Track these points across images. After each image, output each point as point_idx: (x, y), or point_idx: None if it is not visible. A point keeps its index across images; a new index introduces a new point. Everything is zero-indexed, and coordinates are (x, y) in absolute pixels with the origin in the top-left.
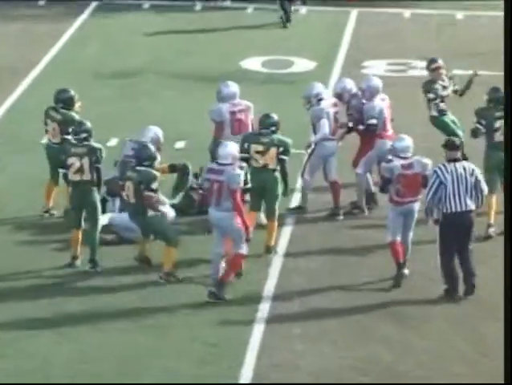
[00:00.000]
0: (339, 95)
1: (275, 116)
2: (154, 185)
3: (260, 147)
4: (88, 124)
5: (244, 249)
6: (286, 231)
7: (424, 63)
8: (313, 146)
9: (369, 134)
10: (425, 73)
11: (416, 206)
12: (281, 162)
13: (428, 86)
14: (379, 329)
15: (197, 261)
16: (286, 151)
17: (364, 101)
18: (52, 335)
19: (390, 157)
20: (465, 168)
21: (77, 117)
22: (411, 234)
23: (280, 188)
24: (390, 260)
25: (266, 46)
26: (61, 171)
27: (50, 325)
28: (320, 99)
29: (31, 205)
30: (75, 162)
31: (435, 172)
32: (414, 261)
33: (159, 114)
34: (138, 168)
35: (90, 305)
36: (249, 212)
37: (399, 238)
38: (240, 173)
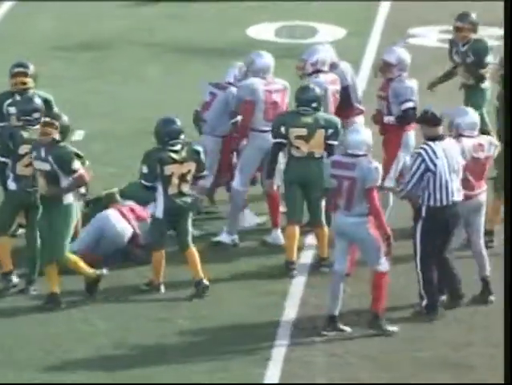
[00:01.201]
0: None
1: (316, 88)
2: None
3: (303, 131)
4: (38, 101)
5: (384, 265)
6: (310, 244)
7: (492, 30)
8: None
9: (403, 124)
10: (494, 44)
11: (485, 199)
12: (329, 148)
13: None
14: (434, 382)
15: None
16: (335, 134)
17: (395, 79)
18: None
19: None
20: (453, 148)
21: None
22: (483, 239)
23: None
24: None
25: (281, 8)
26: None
27: None
28: (318, 71)
29: None
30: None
31: (419, 154)
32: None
33: (138, 98)
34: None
35: (48, 350)
36: (289, 229)
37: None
38: (378, 167)
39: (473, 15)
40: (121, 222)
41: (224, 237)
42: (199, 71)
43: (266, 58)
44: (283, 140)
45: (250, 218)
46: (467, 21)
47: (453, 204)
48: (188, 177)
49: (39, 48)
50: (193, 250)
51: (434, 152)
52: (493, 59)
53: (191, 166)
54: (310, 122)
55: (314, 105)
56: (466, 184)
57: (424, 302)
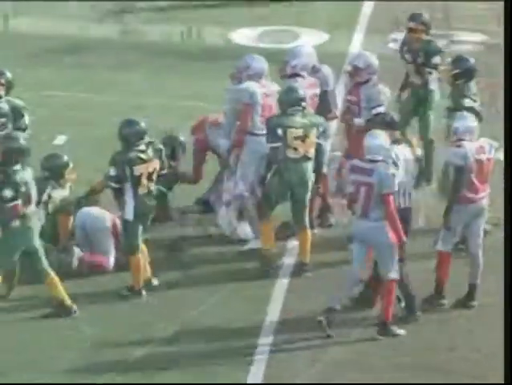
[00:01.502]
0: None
1: (301, 90)
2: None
3: (299, 132)
4: (6, 107)
5: (395, 273)
6: (292, 248)
7: (474, 36)
8: None
9: (372, 128)
10: (476, 49)
11: (487, 203)
12: (318, 148)
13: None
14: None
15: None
16: (325, 133)
17: (362, 82)
18: None
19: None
20: (408, 153)
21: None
22: (481, 243)
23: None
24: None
25: (263, 13)
26: None
27: None
28: (296, 74)
29: None
30: None
31: None
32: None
33: (119, 103)
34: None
35: (33, 356)
36: (266, 224)
37: (450, 248)
38: (394, 173)
39: (426, 15)
40: (97, 209)
41: (254, 243)
42: (181, 76)
43: (261, 62)
44: (279, 144)
45: (246, 231)
46: (419, 21)
47: (408, 208)
48: (154, 176)
49: (23, 53)
50: (144, 247)
51: (396, 155)
52: (443, 61)
53: (156, 164)
54: (305, 122)
55: (303, 104)
56: (471, 186)
57: (403, 304)
